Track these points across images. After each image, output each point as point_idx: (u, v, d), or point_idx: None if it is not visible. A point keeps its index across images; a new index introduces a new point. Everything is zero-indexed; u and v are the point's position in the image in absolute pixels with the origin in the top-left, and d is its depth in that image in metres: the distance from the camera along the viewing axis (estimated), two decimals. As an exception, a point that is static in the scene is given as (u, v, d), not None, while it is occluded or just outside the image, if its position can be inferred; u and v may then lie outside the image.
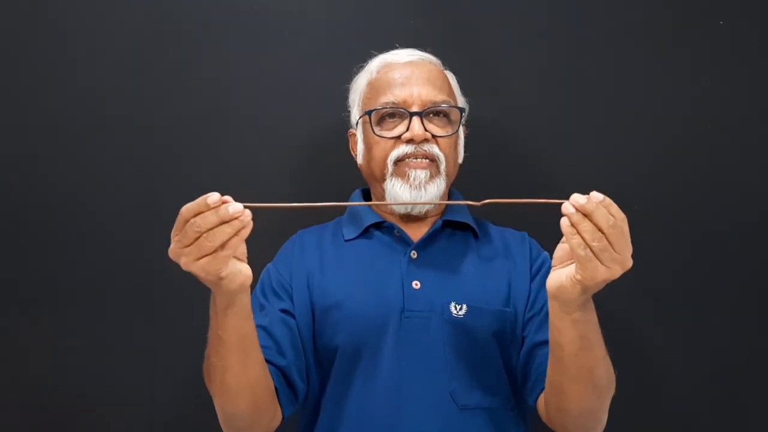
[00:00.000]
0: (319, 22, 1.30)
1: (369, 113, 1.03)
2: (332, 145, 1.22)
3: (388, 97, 1.01)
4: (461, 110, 1.05)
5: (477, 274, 1.01)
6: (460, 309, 0.97)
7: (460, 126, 1.06)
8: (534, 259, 1.04)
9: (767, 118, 1.31)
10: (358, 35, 1.27)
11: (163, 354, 1.27)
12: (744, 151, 1.31)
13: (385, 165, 1.01)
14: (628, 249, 0.73)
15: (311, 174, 1.29)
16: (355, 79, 1.10)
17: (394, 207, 1.04)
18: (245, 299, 0.81)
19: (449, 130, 1.03)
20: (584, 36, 1.31)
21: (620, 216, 0.72)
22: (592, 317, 0.82)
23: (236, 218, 0.70)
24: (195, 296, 1.25)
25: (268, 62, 1.29)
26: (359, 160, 1.09)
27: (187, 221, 0.71)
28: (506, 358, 0.99)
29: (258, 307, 0.98)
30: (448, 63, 1.10)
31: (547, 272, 1.00)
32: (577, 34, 1.31)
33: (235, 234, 0.71)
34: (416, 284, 0.98)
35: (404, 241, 1.02)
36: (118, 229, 1.27)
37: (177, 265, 1.26)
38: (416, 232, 1.04)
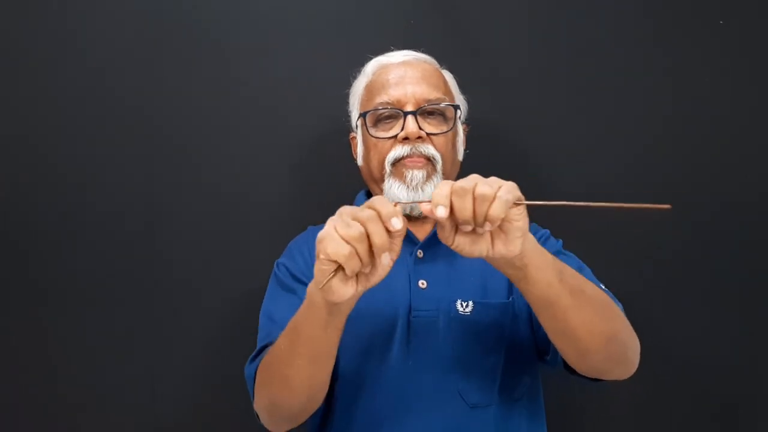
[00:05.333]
0: (320, 24, 1.31)
1: (364, 115, 1.04)
2: (334, 147, 1.23)
3: (383, 98, 1.02)
4: (456, 107, 1.05)
5: (480, 270, 1.00)
6: (466, 306, 0.97)
7: (456, 123, 1.06)
8: None
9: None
10: (359, 37, 1.29)
11: (164, 353, 1.27)
12: (744, 151, 1.31)
13: (382, 166, 1.02)
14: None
15: (312, 176, 1.30)
16: (354, 83, 1.12)
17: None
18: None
19: (444, 128, 1.03)
20: (584, 35, 1.32)
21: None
22: (541, 259, 0.78)
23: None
24: (195, 295, 1.28)
25: (268, 64, 1.31)
26: (359, 162, 1.10)
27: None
28: (516, 351, 0.98)
29: (288, 291, 0.99)
30: (447, 62, 1.11)
31: (545, 243, 1.01)
32: (577, 33, 1.32)
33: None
34: (422, 283, 0.98)
35: (410, 240, 1.02)
36: (119, 228, 1.28)
37: (177, 264, 1.29)
38: (420, 231, 1.04)
